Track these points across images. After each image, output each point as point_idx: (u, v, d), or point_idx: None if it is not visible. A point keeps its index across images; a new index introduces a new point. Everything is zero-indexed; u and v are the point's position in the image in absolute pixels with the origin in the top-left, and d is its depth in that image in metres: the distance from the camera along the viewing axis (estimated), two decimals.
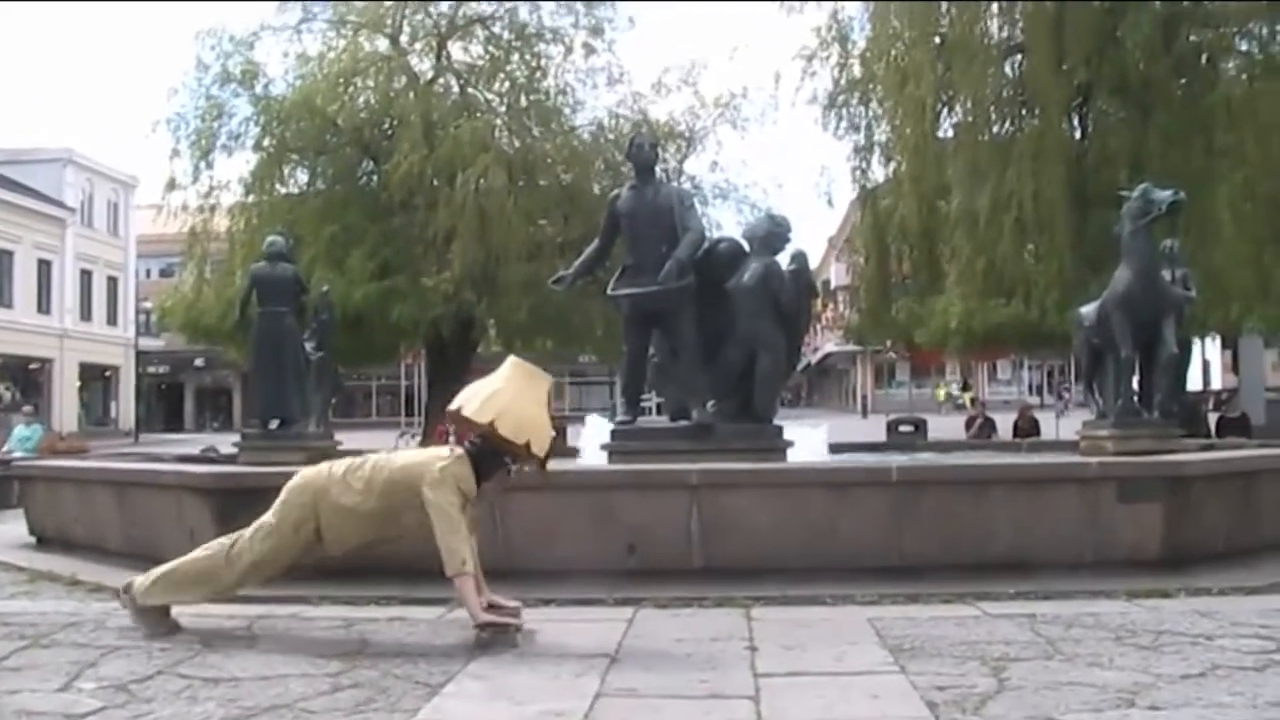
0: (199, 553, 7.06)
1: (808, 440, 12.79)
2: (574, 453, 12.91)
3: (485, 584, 6.76)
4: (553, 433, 7.10)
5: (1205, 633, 6.54)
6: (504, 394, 6.91)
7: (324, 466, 7.04)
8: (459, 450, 6.84)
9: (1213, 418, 22.90)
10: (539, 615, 6.95)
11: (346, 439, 16.32)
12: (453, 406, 7.06)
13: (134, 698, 5.47)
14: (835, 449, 14.41)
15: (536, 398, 7.01)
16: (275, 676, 5.83)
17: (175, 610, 7.02)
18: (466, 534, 6.53)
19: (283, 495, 6.98)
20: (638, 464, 9.93)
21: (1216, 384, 41.21)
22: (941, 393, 73.14)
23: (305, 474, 7.04)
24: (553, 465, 7.17)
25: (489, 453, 6.82)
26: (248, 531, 6.94)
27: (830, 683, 5.60)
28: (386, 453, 7.18)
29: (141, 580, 6.97)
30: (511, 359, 7.61)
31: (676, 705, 5.25)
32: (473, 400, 6.93)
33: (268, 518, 6.94)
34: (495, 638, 6.38)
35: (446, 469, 6.64)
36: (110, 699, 5.45)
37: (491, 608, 6.63)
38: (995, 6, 25.10)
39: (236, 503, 8.94)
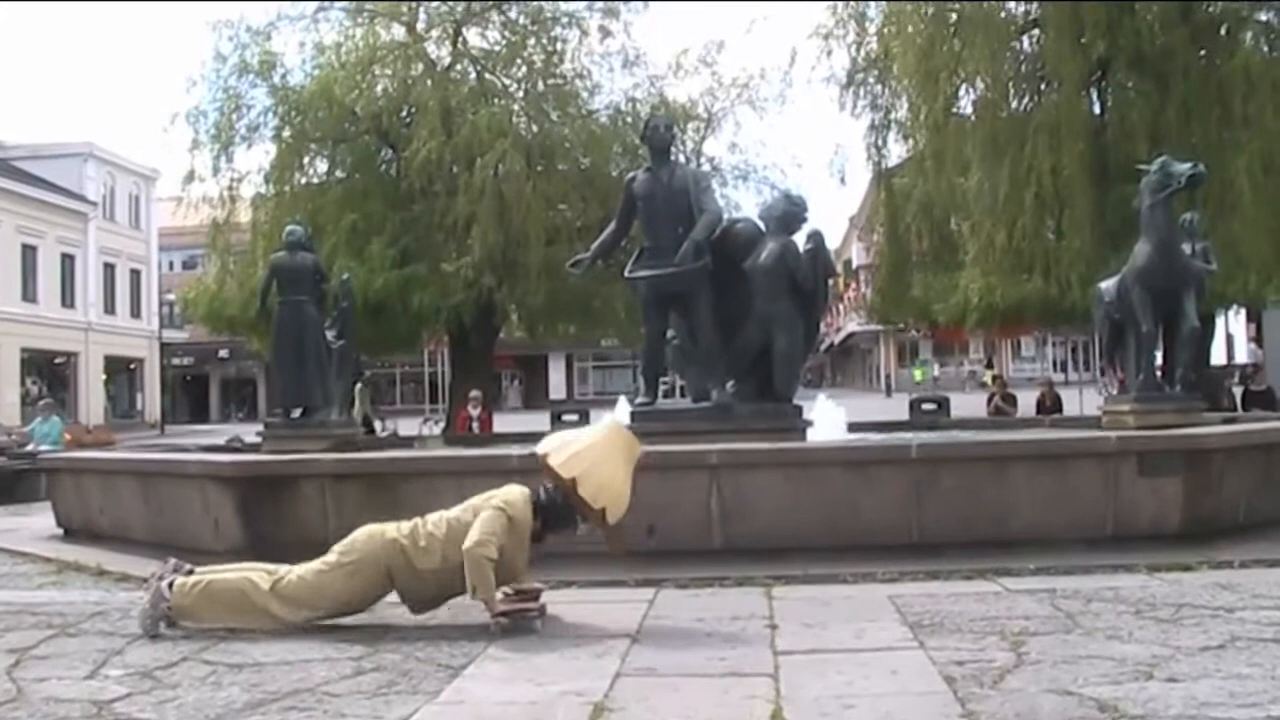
0: (239, 571, 6.89)
1: (822, 412, 12.83)
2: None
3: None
4: (628, 502, 6.90)
5: (1225, 605, 6.55)
6: (592, 452, 6.78)
7: (390, 527, 6.79)
8: (527, 492, 6.78)
9: (1238, 391, 22.80)
10: (560, 597, 6.98)
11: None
12: (540, 450, 6.96)
13: (159, 684, 5.53)
14: (855, 428, 14.41)
15: (625, 464, 6.87)
16: (298, 661, 5.88)
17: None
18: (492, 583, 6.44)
19: (349, 542, 6.80)
20: (658, 445, 9.95)
21: (1241, 357, 40.95)
22: (919, 373, 73.85)
23: (372, 529, 6.81)
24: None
25: (562, 506, 6.74)
26: (299, 569, 6.76)
27: (850, 659, 5.63)
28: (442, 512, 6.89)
29: (183, 581, 6.73)
30: (611, 420, 7.51)
31: (696, 683, 5.28)
32: (561, 451, 6.81)
33: (328, 557, 6.77)
34: (516, 623, 6.40)
35: (503, 509, 6.57)
36: (136, 685, 5.51)
37: (512, 595, 6.63)
38: None
39: (260, 491, 9.05)
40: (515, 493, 6.74)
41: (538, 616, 6.53)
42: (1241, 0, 23.10)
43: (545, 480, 6.85)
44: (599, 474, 6.65)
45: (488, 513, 6.52)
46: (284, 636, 6.45)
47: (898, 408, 25.69)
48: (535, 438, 6.61)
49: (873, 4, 27.39)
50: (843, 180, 31.62)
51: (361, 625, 6.70)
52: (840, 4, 27.55)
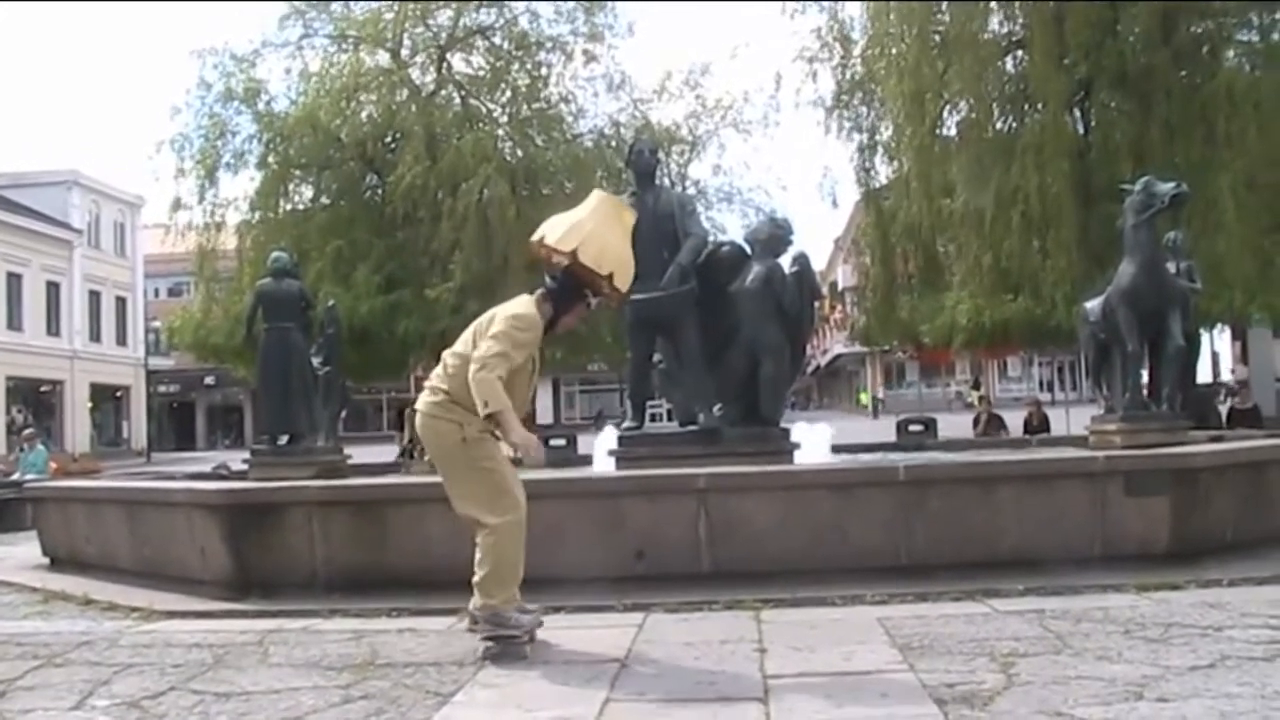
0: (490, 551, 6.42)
1: (810, 436, 12.82)
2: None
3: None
4: (631, 265, 6.91)
5: (1214, 624, 6.55)
6: (588, 223, 6.82)
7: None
8: (528, 297, 6.64)
9: (1224, 409, 22.84)
10: (549, 622, 6.94)
11: (357, 453, 16.38)
12: (535, 237, 6.95)
13: (147, 714, 5.50)
14: (841, 450, 14.41)
15: (621, 229, 6.95)
16: (286, 689, 5.85)
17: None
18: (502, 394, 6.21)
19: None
20: (645, 469, 9.94)
21: (1226, 375, 41.07)
22: (863, 397, 75.28)
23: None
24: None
25: (569, 287, 6.66)
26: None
27: (839, 682, 5.61)
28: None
29: (475, 599, 6.42)
30: (597, 191, 7.55)
31: (686, 708, 5.26)
32: (556, 228, 6.84)
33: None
34: (505, 649, 6.36)
35: (515, 314, 6.42)
36: (123, 716, 5.48)
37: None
38: (994, 2, 25.10)
39: (247, 519, 9.00)
40: (518, 302, 6.59)
41: (526, 642, 6.49)
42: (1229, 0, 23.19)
43: (548, 270, 6.81)
44: (598, 240, 6.69)
45: (498, 329, 6.35)
46: (272, 665, 6.42)
47: (885, 429, 25.68)
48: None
49: (857, 27, 27.51)
50: (834, 203, 31.80)
51: (350, 652, 6.68)
52: (824, 26, 27.69)
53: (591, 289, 6.74)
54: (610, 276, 6.65)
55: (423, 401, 6.61)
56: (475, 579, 6.33)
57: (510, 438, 6.30)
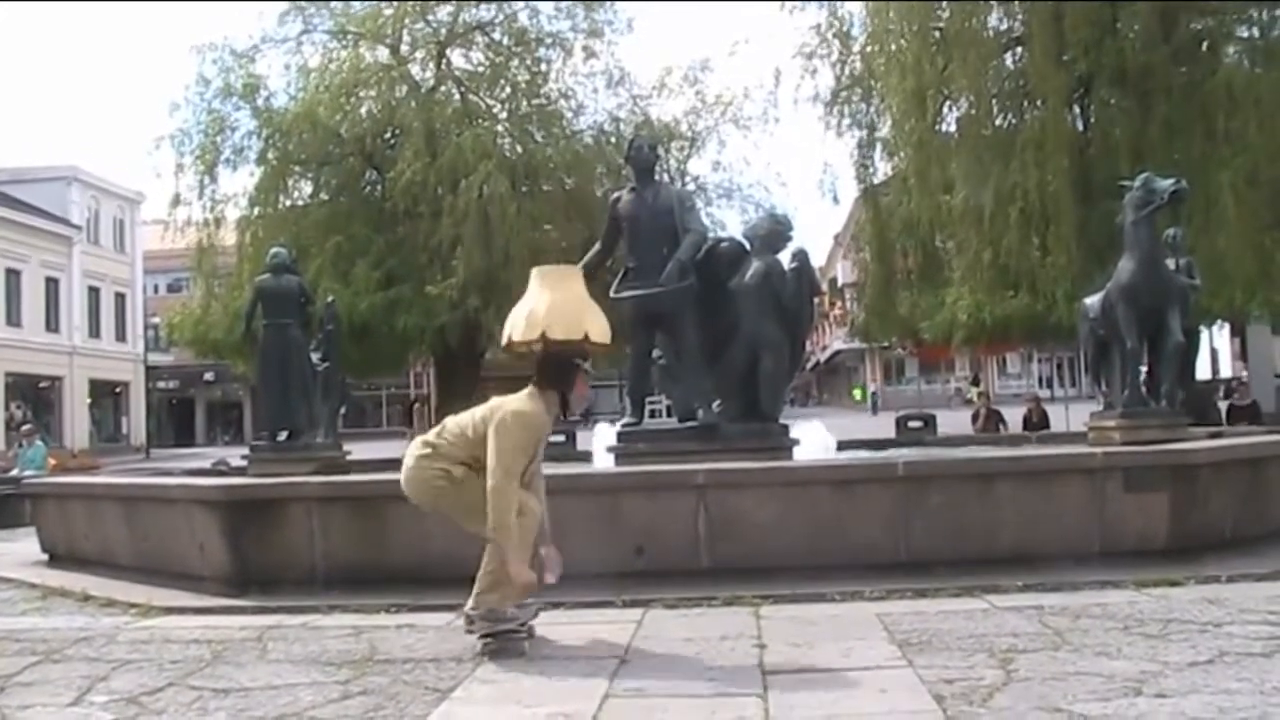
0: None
1: (807, 433, 12.84)
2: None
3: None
4: (599, 314, 7.04)
5: (1213, 620, 6.55)
6: (540, 305, 6.91)
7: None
8: (524, 394, 6.52)
9: (1224, 406, 22.84)
10: (548, 618, 6.94)
11: (356, 449, 16.37)
12: (504, 342, 7.07)
13: (145, 710, 5.50)
14: (843, 446, 14.40)
15: (572, 294, 7.10)
16: (285, 685, 5.85)
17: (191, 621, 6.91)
18: (515, 492, 6.21)
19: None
20: (644, 465, 9.94)
21: (1226, 372, 41.13)
22: (857, 392, 75.30)
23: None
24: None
25: (557, 366, 6.60)
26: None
27: (838, 678, 5.61)
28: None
29: (470, 601, 6.48)
30: (534, 270, 7.60)
31: (684, 704, 5.26)
32: (517, 325, 6.96)
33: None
34: (504, 645, 6.35)
35: (518, 411, 6.33)
36: (121, 712, 5.48)
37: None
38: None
39: (247, 515, 8.99)
40: (521, 399, 6.43)
41: (525, 638, 6.49)
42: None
43: (532, 364, 6.73)
44: (556, 313, 6.82)
45: (512, 438, 6.22)
46: (271, 661, 6.42)
47: (884, 426, 25.68)
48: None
49: (857, 23, 27.51)
50: (835, 199, 31.84)
51: (349, 648, 6.68)
52: (824, 23, 27.70)
53: (578, 355, 6.75)
54: (587, 335, 6.78)
55: (410, 456, 6.59)
56: (477, 585, 6.35)
57: (508, 566, 6.21)
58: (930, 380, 77.09)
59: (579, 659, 6.21)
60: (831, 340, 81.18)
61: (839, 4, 28.72)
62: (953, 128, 25.77)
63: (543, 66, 32.99)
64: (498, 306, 29.09)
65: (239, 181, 42.72)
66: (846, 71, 27.85)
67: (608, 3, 33.27)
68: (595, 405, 68.07)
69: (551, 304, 6.81)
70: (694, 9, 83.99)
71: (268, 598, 8.40)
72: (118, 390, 61.16)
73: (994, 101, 24.82)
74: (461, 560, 6.53)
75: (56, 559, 11.48)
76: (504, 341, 7.06)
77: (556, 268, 7.38)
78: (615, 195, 12.05)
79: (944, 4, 24.91)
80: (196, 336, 33.15)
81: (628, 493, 8.74)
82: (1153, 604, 7.10)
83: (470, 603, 6.40)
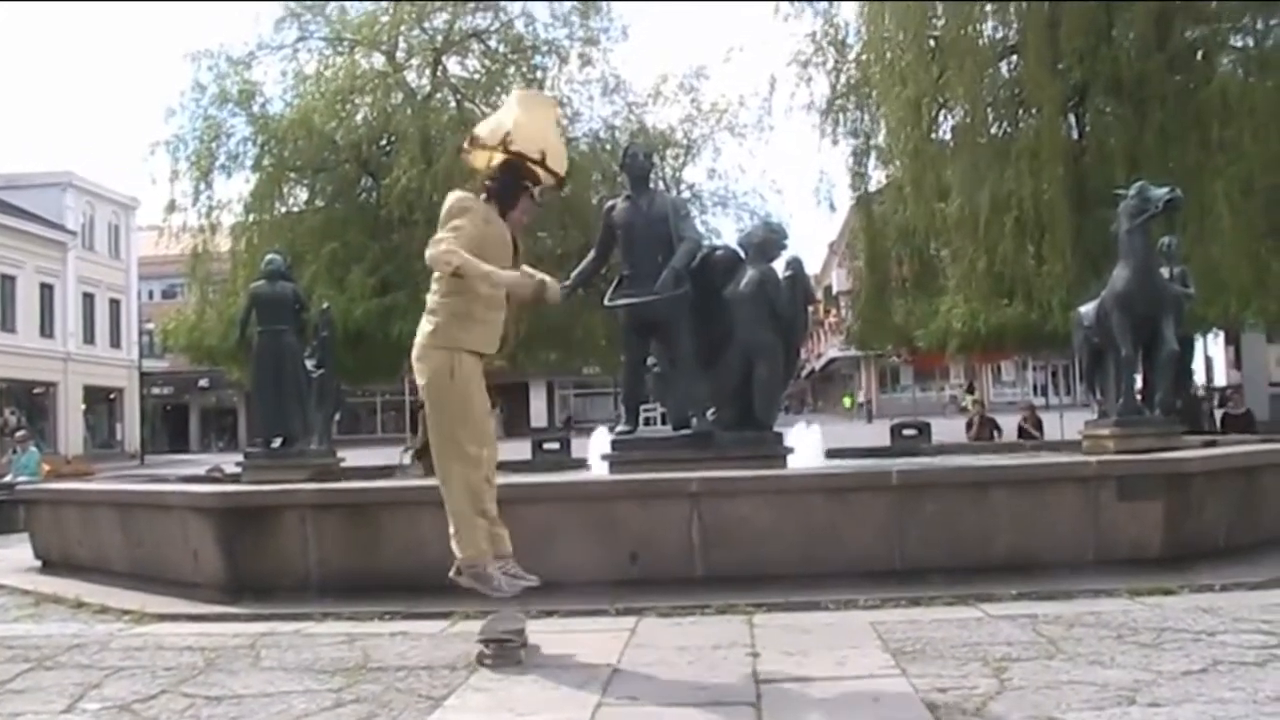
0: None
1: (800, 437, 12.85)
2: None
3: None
4: (564, 147, 7.02)
5: (1207, 629, 6.54)
6: (511, 114, 6.90)
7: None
8: (460, 192, 6.72)
9: (1218, 414, 22.88)
10: (541, 626, 6.93)
11: (351, 455, 16.37)
12: (464, 143, 7.05)
13: (138, 717, 5.48)
14: (835, 454, 14.39)
15: (545, 116, 7.05)
16: (278, 693, 5.83)
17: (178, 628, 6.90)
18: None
19: None
20: (638, 473, 9.93)
21: (1220, 380, 41.18)
22: (847, 400, 75.40)
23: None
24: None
25: (507, 181, 6.69)
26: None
27: (832, 687, 5.60)
28: None
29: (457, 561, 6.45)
30: (515, 88, 7.65)
31: (678, 713, 5.24)
32: (483, 127, 6.97)
33: None
34: (499, 654, 6.34)
35: (446, 211, 6.51)
36: (114, 719, 5.46)
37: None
38: (989, 6, 25.12)
39: (241, 522, 8.97)
40: (453, 195, 6.68)
41: (520, 646, 6.47)
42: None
43: (484, 177, 6.85)
44: (524, 127, 6.70)
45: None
46: (264, 668, 6.41)
47: (879, 434, 25.71)
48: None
49: (853, 31, 27.56)
50: (831, 207, 31.83)
51: (342, 655, 6.66)
52: (820, 30, 27.74)
53: (529, 178, 6.77)
54: (543, 157, 6.72)
55: (421, 331, 6.90)
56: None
57: (494, 279, 6.39)
58: (925, 388, 77.25)
59: (572, 667, 6.19)
60: (827, 348, 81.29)
61: (834, 8, 28.70)
62: (948, 136, 25.82)
63: (538, 74, 32.97)
64: None
65: (234, 188, 42.75)
66: (842, 79, 27.90)
67: (604, 8, 33.33)
68: (580, 414, 68.16)
69: (519, 120, 6.82)
70: (689, 17, 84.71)
71: (261, 605, 8.38)
72: (112, 396, 61.20)
73: (989, 110, 24.87)
74: None
75: (50, 565, 11.45)
76: (464, 144, 7.07)
77: (537, 93, 7.40)
78: (610, 203, 12.02)
79: (939, 10, 24.94)
80: (191, 343, 33.13)
81: (622, 500, 8.73)
82: (1146, 612, 7.09)
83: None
